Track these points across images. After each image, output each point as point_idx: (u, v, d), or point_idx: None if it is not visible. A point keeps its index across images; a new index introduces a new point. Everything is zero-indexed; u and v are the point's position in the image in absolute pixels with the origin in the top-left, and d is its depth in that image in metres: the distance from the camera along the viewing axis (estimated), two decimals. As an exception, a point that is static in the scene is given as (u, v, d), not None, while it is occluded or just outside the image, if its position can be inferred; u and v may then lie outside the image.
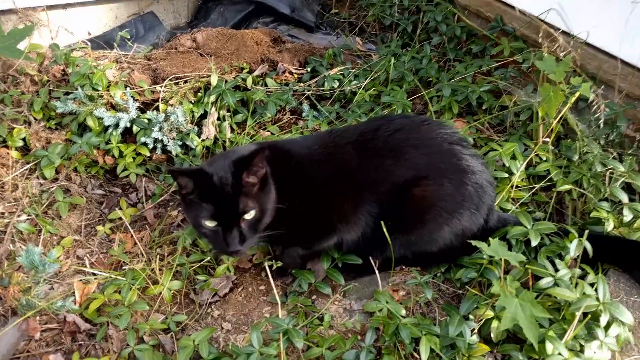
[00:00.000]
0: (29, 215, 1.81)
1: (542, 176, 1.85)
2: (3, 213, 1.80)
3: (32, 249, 1.34)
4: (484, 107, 2.15)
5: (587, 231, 1.40)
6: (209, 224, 1.30)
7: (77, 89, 1.99)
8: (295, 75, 2.38)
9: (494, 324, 1.32)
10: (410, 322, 1.32)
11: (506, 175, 1.81)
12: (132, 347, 1.37)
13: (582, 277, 1.44)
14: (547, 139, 1.79)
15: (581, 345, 1.26)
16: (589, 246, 1.47)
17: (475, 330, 1.34)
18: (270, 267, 1.63)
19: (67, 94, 2.05)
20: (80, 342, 1.43)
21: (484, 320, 1.35)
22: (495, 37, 2.33)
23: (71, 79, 2.03)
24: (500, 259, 1.24)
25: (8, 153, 1.93)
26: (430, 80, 2.34)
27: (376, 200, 1.48)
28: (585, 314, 1.29)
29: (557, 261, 1.46)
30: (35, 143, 1.97)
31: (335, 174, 1.49)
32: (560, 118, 1.74)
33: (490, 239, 1.26)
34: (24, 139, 1.96)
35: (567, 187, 1.75)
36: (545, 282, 1.37)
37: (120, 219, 1.88)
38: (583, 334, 1.27)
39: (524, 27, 2.19)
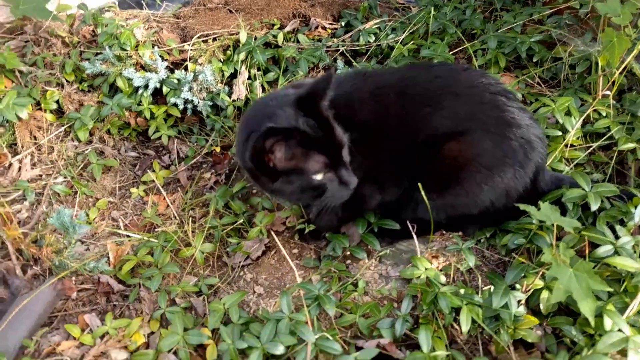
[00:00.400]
0: (65, 178, 1.81)
1: (601, 134, 1.68)
2: (40, 175, 1.82)
3: (62, 211, 1.34)
4: (534, 60, 1.96)
5: (653, 194, 1.25)
6: (324, 174, 1.21)
7: (105, 50, 1.95)
8: (329, 31, 2.25)
9: (544, 294, 1.22)
10: (450, 290, 1.23)
11: (559, 133, 1.66)
12: (164, 309, 1.36)
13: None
14: (608, 92, 1.61)
15: (644, 321, 1.14)
16: (655, 211, 1.32)
17: (523, 301, 1.24)
18: (302, 230, 1.58)
19: (97, 55, 2.01)
20: (114, 303, 1.44)
21: (532, 290, 1.24)
22: (550, -20, 2.10)
23: (99, 39, 1.99)
24: (552, 225, 1.13)
25: (43, 116, 1.93)
26: (474, 32, 2.15)
27: (413, 154, 1.36)
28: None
29: (618, 227, 1.32)
30: (68, 105, 1.96)
31: (379, 120, 1.36)
32: (624, 68, 1.55)
33: (540, 202, 1.14)
34: (57, 102, 1.95)
35: (630, 145, 1.58)
36: (604, 250, 1.24)
37: (153, 181, 1.87)
38: (647, 309, 1.15)
39: (584, -33, 1.96)
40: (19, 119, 1.81)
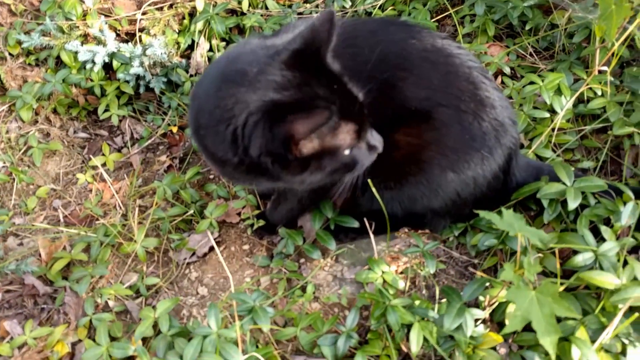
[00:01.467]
0: (4, 163, 1.67)
1: (596, 115, 1.48)
2: (-22, 160, 1.68)
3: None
4: (527, 27, 1.73)
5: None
6: (356, 145, 0.97)
7: (46, 20, 1.76)
8: (301, -6, 2.02)
9: (510, 308, 1.06)
10: (402, 303, 1.08)
11: (547, 114, 1.46)
12: (90, 315, 1.23)
13: (636, 251, 1.13)
14: (605, 68, 1.39)
15: (624, 346, 0.98)
16: (647, 210, 1.13)
17: (487, 316, 1.08)
18: (252, 225, 1.43)
19: (40, 25, 1.82)
20: (42, 307, 1.32)
21: (497, 303, 1.08)
22: None
23: (41, 7, 1.80)
24: (527, 236, 0.95)
25: (-16, 94, 1.77)
26: (464, -4, 1.91)
27: (380, 128, 1.07)
28: (632, 308, 0.99)
29: (603, 228, 1.14)
30: (10, 82, 1.79)
31: (352, 80, 1.02)
32: (625, 40, 1.33)
33: (503, 208, 0.97)
34: (-1, 78, 1.79)
35: (627, 130, 1.38)
36: (583, 258, 1.07)
37: (103, 164, 1.72)
38: (627, 332, 0.98)
39: None
40: (-47, 98, 1.66)
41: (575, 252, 1.10)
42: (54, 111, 1.81)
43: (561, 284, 1.03)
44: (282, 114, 0.85)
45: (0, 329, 1.25)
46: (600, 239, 1.11)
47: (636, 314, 0.92)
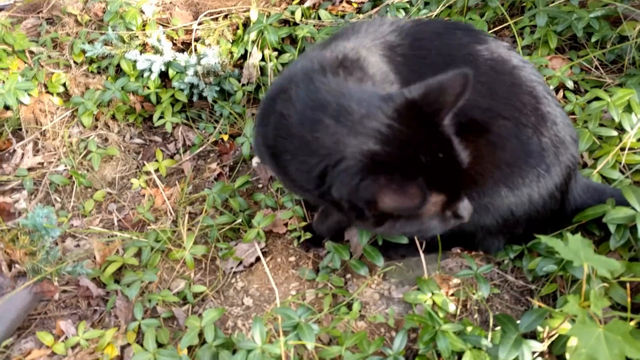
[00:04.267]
0: (65, 166, 1.75)
1: (669, 135, 1.37)
2: (42, 163, 1.77)
3: (37, 211, 1.25)
4: (593, 40, 1.64)
5: None
6: (441, 215, 0.94)
7: (108, 30, 1.84)
8: (355, 5, 2.01)
9: (571, 342, 0.99)
10: (453, 329, 1.03)
11: (615, 133, 1.37)
12: (139, 320, 1.26)
13: None
14: (683, 85, 1.29)
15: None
16: None
17: (545, 348, 1.02)
18: (299, 237, 1.42)
19: (103, 35, 1.90)
20: (94, 308, 1.36)
21: (556, 335, 1.02)
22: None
23: (105, 17, 1.88)
24: (593, 266, 0.89)
25: (50, 100, 1.87)
26: (524, 6, 1.84)
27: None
28: None
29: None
30: (74, 89, 1.88)
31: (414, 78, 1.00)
32: None
33: (566, 232, 0.90)
34: (64, 85, 1.87)
35: None
36: (654, 293, 0.99)
37: (156, 170, 1.76)
38: None
39: None
40: (21, 103, 1.75)
41: (646, 285, 1.01)
42: (113, 117, 1.88)
43: (631, 319, 0.95)
44: (375, 171, 0.81)
45: (56, 328, 1.29)
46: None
47: None
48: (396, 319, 1.19)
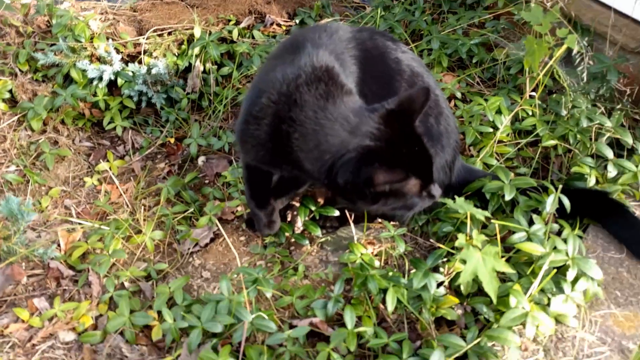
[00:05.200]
0: (17, 167, 1.84)
1: (529, 131, 1.82)
2: (-8, 164, 1.84)
3: (11, 198, 1.38)
4: (474, 61, 2.10)
5: (560, 186, 1.39)
6: (419, 194, 1.22)
7: (59, 41, 1.97)
8: (284, 27, 2.33)
9: (463, 274, 1.34)
10: (379, 273, 1.34)
11: (491, 130, 1.79)
12: (112, 292, 1.42)
13: (559, 232, 1.45)
14: (533, 94, 1.75)
15: (549, 299, 1.28)
16: (566, 201, 1.46)
17: (446, 283, 1.36)
18: (248, 219, 1.67)
19: (51, 45, 2.03)
20: (64, 287, 1.49)
21: (454, 273, 1.37)
22: (491, -14, 2.23)
23: (53, 30, 2.01)
24: (472, 214, 1.25)
25: (-5, 105, 1.94)
26: (422, 33, 2.27)
27: None
28: (557, 269, 1.30)
29: (534, 216, 1.46)
30: (21, 95, 1.97)
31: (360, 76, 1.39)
32: (548, 71, 1.69)
33: (456, 196, 1.26)
34: (10, 91, 1.96)
35: (552, 142, 1.72)
36: (518, 236, 1.37)
37: (106, 171, 1.91)
38: (551, 289, 1.28)
39: (519, -25, 2.09)
40: (-30, 108, 1.83)
41: (512, 233, 1.40)
42: (62, 122, 2.00)
43: (503, 256, 1.32)
44: (371, 159, 1.10)
45: (29, 307, 1.41)
46: (530, 222, 1.43)
47: (554, 271, 1.22)
48: (334, 274, 1.48)
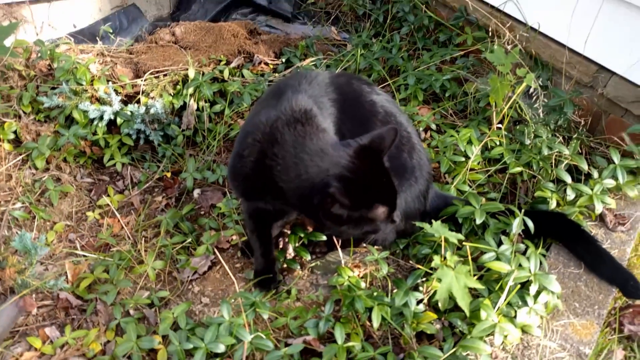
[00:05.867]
0: (23, 203, 1.95)
1: (497, 159, 2.00)
2: (-1, 202, 1.95)
3: (24, 234, 1.50)
4: (447, 95, 2.29)
5: (523, 210, 1.56)
6: (384, 220, 1.34)
7: (62, 84, 2.11)
8: (271, 66, 2.50)
9: (439, 291, 1.48)
10: (365, 294, 1.48)
11: (463, 159, 1.97)
12: (119, 319, 1.54)
13: (525, 251, 1.61)
14: (500, 125, 1.94)
15: (515, 311, 1.43)
16: (530, 223, 1.63)
17: (425, 301, 1.51)
18: (243, 248, 1.80)
19: (53, 88, 2.17)
20: (72, 317, 1.60)
21: (432, 291, 1.51)
22: (460, 26, 2.45)
23: (56, 74, 2.15)
24: (446, 237, 1.41)
25: (1, 145, 2.06)
26: (399, 69, 2.47)
27: None
28: (522, 284, 1.46)
29: (503, 237, 1.63)
30: (25, 135, 2.10)
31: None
32: (511, 105, 1.88)
33: (433, 221, 1.42)
34: (15, 132, 2.09)
35: (518, 169, 1.90)
36: (488, 256, 1.53)
37: (108, 205, 2.03)
38: (517, 302, 1.44)
39: (485, 17, 2.31)
40: (-22, 149, 1.95)
41: (483, 253, 1.56)
42: (64, 160, 2.12)
43: (474, 275, 1.48)
44: (343, 185, 1.22)
45: (41, 336, 1.51)
46: (500, 243, 1.59)
47: (518, 286, 1.38)
48: (324, 296, 1.62)
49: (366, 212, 1.29)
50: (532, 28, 2.10)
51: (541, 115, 1.97)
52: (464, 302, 1.27)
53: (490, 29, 2.30)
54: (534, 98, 1.98)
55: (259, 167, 1.37)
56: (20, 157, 2.07)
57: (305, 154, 1.29)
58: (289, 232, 1.81)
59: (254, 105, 1.73)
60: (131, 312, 1.62)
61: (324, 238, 1.73)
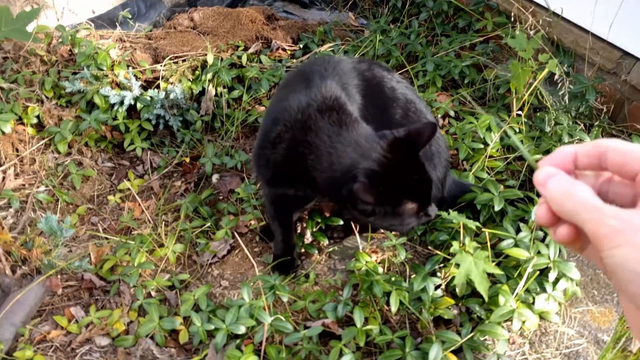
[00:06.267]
0: (46, 187, 2.00)
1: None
2: (24, 185, 2.00)
3: (50, 217, 1.53)
4: (466, 81, 2.27)
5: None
6: (415, 215, 1.30)
7: (83, 69, 2.14)
8: (289, 52, 2.50)
9: (457, 277, 1.49)
10: (383, 278, 1.49)
11: (482, 146, 1.95)
12: (141, 300, 1.57)
13: (544, 239, 1.60)
14: (520, 112, 1.92)
15: (533, 298, 1.43)
16: (549, 211, 1.62)
17: (443, 287, 1.52)
18: (262, 231, 1.82)
19: (74, 73, 2.20)
20: (96, 297, 1.64)
21: (450, 277, 1.52)
22: (480, 12, 2.41)
23: (77, 59, 2.18)
24: (465, 224, 1.41)
25: (24, 130, 2.11)
26: (417, 55, 2.45)
27: None
28: (541, 271, 1.46)
29: (521, 225, 1.62)
30: (48, 120, 2.13)
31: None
32: (532, 92, 1.86)
33: (450, 210, 1.42)
34: (37, 117, 2.12)
35: (537, 156, 1.88)
36: (506, 243, 1.53)
37: (128, 189, 2.07)
38: (535, 289, 1.44)
39: (505, 2, 2.27)
40: (3, 133, 1.99)
41: (501, 240, 1.56)
42: (86, 144, 2.16)
43: (493, 261, 1.48)
44: (370, 180, 1.18)
45: (66, 315, 1.56)
46: (518, 230, 1.59)
47: (537, 273, 1.38)
48: (342, 280, 1.64)
49: (394, 207, 1.26)
50: (554, 13, 2.07)
51: (562, 102, 1.94)
52: (482, 286, 1.28)
53: (512, 14, 2.26)
54: (557, 84, 1.95)
55: (290, 154, 1.34)
56: (43, 142, 2.11)
57: (339, 143, 1.26)
58: (306, 216, 1.83)
59: (278, 90, 1.71)
60: (152, 293, 1.65)
61: (341, 222, 1.74)
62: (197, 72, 2.30)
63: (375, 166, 1.20)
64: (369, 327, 1.38)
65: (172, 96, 2.11)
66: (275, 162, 1.41)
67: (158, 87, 2.23)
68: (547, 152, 1.90)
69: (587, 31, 2.01)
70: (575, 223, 0.47)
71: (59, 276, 1.65)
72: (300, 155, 1.32)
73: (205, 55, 2.28)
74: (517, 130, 1.97)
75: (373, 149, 1.22)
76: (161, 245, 1.80)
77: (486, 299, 1.29)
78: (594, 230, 0.45)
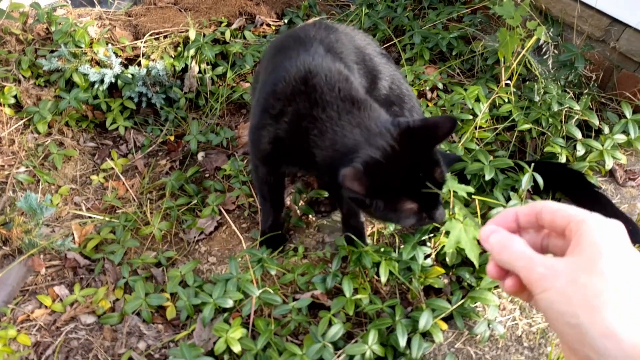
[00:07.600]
0: (27, 167, 1.94)
1: (505, 117, 1.97)
2: (3, 166, 1.94)
3: (29, 195, 1.49)
4: (454, 53, 2.24)
5: (533, 164, 1.54)
6: (414, 216, 1.18)
7: (60, 47, 2.07)
8: (273, 27, 2.45)
9: (447, 245, 1.48)
10: (372, 249, 1.47)
11: (471, 117, 1.93)
12: (127, 278, 1.54)
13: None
14: (508, 82, 1.90)
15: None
16: (539, 179, 1.61)
17: (433, 256, 1.50)
18: (248, 207, 1.79)
19: (52, 51, 2.13)
20: (81, 276, 1.61)
21: (440, 247, 1.51)
22: (467, -18, 2.38)
23: (54, 37, 2.11)
24: (454, 192, 1.39)
25: (2, 110, 2.04)
26: (405, 29, 2.41)
27: None
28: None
29: (511, 193, 1.61)
30: (26, 100, 2.07)
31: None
32: (520, 61, 1.84)
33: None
34: (15, 97, 2.06)
35: (527, 126, 1.87)
36: (496, 211, 1.52)
37: (112, 168, 2.02)
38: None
39: (493, -29, 2.24)
40: (-20, 113, 1.92)
41: (492, 209, 1.55)
42: (66, 124, 2.10)
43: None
44: (370, 168, 1.08)
45: (50, 294, 1.52)
46: (508, 199, 1.58)
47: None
48: (331, 254, 1.62)
49: (387, 203, 1.14)
50: (542, -19, 2.04)
51: (551, 71, 1.92)
52: (472, 253, 1.26)
53: (498, -16, 2.23)
54: (544, 53, 1.93)
55: (294, 129, 1.23)
56: (22, 122, 2.05)
57: (348, 123, 1.15)
58: (292, 190, 1.80)
59: (268, 58, 1.55)
60: (139, 271, 1.62)
61: (326, 195, 1.71)
62: (179, 49, 2.24)
63: (377, 154, 1.09)
64: (358, 296, 1.36)
65: (153, 73, 2.06)
66: (276, 138, 1.28)
67: (139, 64, 2.17)
68: (536, 121, 1.88)
69: (574, -1, 1.98)
70: (513, 271, 0.53)
71: (41, 256, 1.61)
72: (303, 130, 1.21)
73: (187, 31, 2.22)
74: (506, 100, 1.94)
75: (381, 136, 1.11)
76: (147, 224, 1.77)
77: (477, 266, 1.27)
78: (527, 277, 0.51)
